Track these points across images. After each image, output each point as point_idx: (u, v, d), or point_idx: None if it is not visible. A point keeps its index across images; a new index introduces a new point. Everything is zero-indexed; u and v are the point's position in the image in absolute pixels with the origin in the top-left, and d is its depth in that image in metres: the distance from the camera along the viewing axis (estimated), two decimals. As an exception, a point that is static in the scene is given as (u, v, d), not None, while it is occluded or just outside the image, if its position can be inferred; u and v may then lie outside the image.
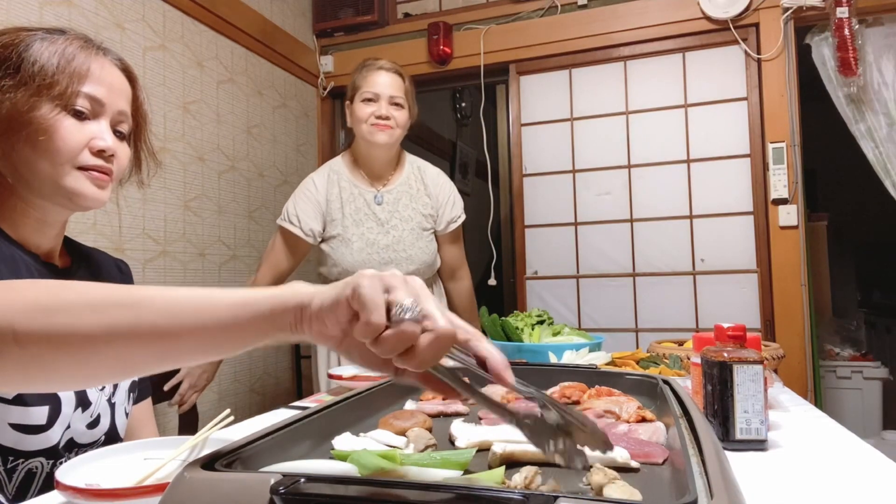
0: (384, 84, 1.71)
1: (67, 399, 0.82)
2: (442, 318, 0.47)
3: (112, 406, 0.91)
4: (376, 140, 1.69)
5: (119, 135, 0.88)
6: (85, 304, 0.49)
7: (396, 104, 1.72)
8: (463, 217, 1.93)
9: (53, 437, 0.80)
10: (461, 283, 1.96)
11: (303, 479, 0.44)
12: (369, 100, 1.70)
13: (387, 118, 1.69)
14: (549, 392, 0.98)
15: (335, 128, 3.14)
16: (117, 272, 1.05)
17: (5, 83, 0.78)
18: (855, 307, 4.03)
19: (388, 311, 0.46)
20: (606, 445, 0.50)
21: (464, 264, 1.98)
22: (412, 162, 1.89)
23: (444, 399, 0.96)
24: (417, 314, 0.46)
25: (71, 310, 0.48)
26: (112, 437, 0.91)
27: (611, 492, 0.52)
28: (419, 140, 4.34)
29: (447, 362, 0.50)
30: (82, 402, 0.85)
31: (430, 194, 1.85)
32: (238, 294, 0.50)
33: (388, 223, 1.77)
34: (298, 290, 0.50)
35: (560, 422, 0.50)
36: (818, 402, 2.41)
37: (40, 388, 0.54)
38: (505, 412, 0.51)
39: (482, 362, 0.51)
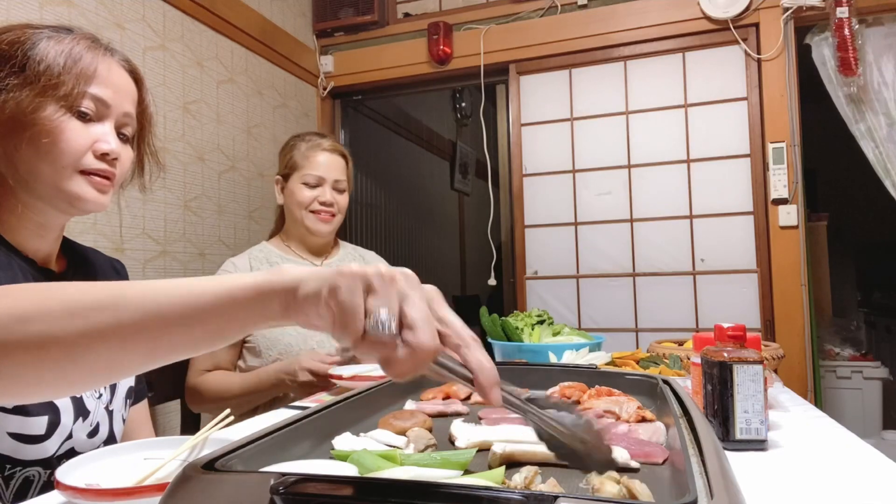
0: (328, 166, 1.60)
1: (66, 409, 0.82)
2: (425, 329, 0.43)
3: (110, 413, 0.91)
4: (319, 230, 1.59)
5: (123, 137, 0.86)
6: (63, 308, 0.46)
7: (339, 189, 1.63)
8: None
9: (50, 447, 0.80)
10: None
11: (303, 479, 0.44)
12: (311, 183, 1.59)
13: (331, 204, 1.59)
14: (548, 392, 0.98)
15: (335, 128, 3.14)
16: (113, 272, 1.03)
17: (10, 82, 0.76)
18: (855, 307, 4.04)
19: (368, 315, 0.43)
20: (607, 466, 0.47)
21: None
22: (349, 245, 1.80)
23: (444, 399, 0.96)
24: (393, 329, 0.43)
25: (48, 316, 0.45)
26: (110, 444, 0.90)
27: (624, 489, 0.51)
28: (419, 140, 4.35)
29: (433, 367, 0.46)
30: (81, 411, 0.84)
31: None
32: (222, 283, 0.47)
33: None
34: (286, 275, 0.47)
35: (554, 441, 0.47)
36: (818, 402, 2.41)
37: (27, 399, 0.51)
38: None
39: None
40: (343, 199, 1.64)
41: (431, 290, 0.47)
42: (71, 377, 0.48)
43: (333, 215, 1.61)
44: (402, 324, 0.44)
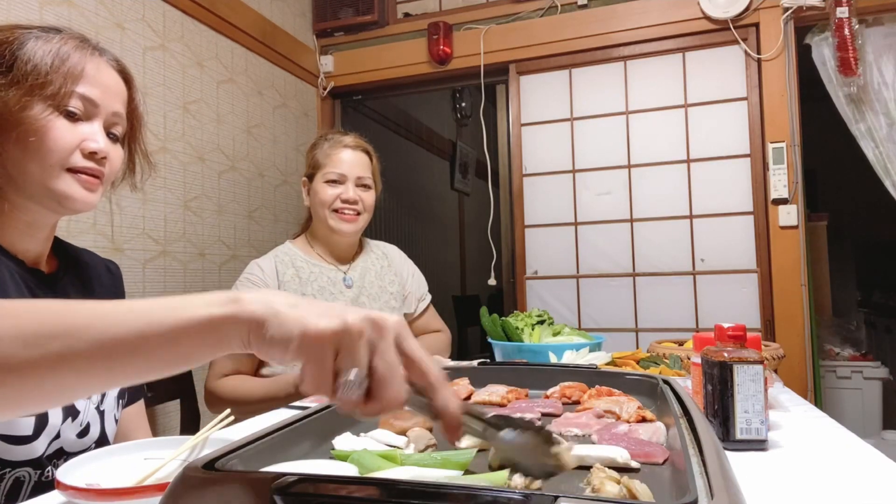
0: (350, 163, 1.57)
1: (54, 409, 0.81)
2: (393, 386, 0.45)
3: (101, 414, 0.90)
4: (342, 229, 1.55)
5: (112, 137, 0.86)
6: (15, 335, 0.45)
7: (364, 185, 1.59)
8: (429, 297, 1.77)
9: (38, 447, 0.79)
10: (441, 334, 1.80)
11: (303, 479, 0.43)
12: (334, 181, 1.55)
13: (354, 202, 1.55)
14: (549, 392, 0.98)
15: (335, 128, 3.14)
16: (107, 274, 1.03)
17: None
18: (855, 307, 4.04)
19: (337, 374, 0.45)
20: (545, 475, 0.51)
21: (444, 329, 1.80)
22: (372, 242, 1.76)
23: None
24: (363, 391, 0.45)
25: (2, 342, 0.44)
26: (102, 444, 0.90)
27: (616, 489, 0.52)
28: (419, 140, 4.35)
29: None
30: (70, 411, 0.84)
31: (395, 272, 1.71)
32: (177, 313, 0.46)
33: (357, 301, 1.59)
34: (247, 309, 0.46)
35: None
36: (818, 402, 2.41)
37: None
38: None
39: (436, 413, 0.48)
40: (368, 197, 1.60)
41: (398, 325, 0.47)
42: (26, 402, 0.47)
43: (358, 213, 1.57)
44: (372, 376, 0.45)
